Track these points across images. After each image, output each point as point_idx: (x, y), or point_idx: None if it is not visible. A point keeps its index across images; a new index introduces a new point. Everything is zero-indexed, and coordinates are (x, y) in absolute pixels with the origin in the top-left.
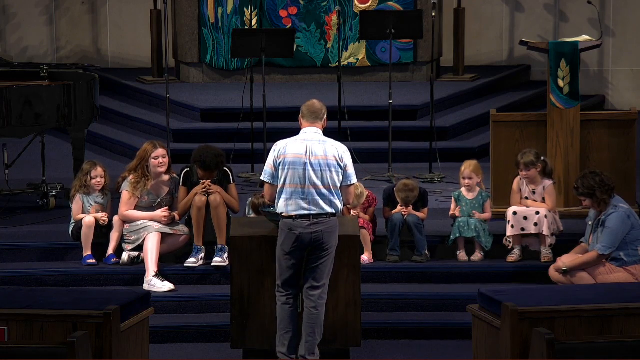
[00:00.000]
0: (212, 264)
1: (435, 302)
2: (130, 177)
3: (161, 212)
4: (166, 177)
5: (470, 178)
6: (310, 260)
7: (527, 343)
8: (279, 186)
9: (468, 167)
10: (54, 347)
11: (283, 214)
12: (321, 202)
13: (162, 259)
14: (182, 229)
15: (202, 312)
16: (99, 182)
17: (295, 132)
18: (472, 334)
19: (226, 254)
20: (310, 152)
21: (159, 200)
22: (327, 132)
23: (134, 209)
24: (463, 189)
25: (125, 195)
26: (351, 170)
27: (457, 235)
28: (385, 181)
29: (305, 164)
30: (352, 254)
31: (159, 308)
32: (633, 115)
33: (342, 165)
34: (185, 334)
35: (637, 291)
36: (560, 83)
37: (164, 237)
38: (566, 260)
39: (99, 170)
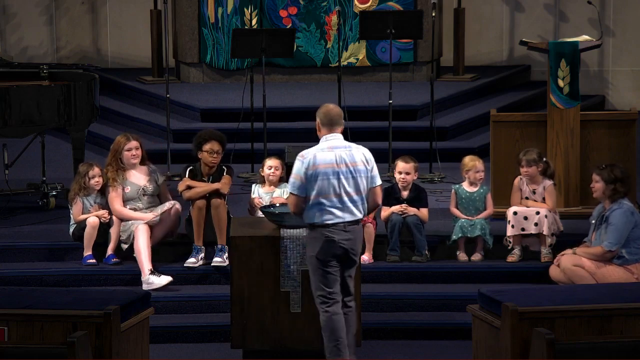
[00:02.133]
0: (212, 264)
1: (435, 302)
2: (108, 173)
3: (152, 215)
4: (143, 168)
5: (483, 170)
6: (344, 266)
7: (527, 343)
8: (312, 197)
9: (477, 160)
10: (54, 347)
11: (316, 224)
12: (354, 209)
13: (162, 257)
14: (166, 205)
15: (202, 312)
16: (97, 182)
17: (295, 132)
18: (472, 334)
19: (226, 254)
20: (340, 160)
21: (142, 188)
22: None
23: (124, 202)
24: (465, 183)
25: (109, 191)
26: (376, 171)
27: (460, 235)
28: (385, 181)
29: (337, 173)
30: None
31: (159, 308)
32: (633, 115)
33: (368, 168)
34: (185, 334)
35: (637, 291)
36: (560, 83)
37: (157, 224)
38: (567, 257)
39: (96, 170)
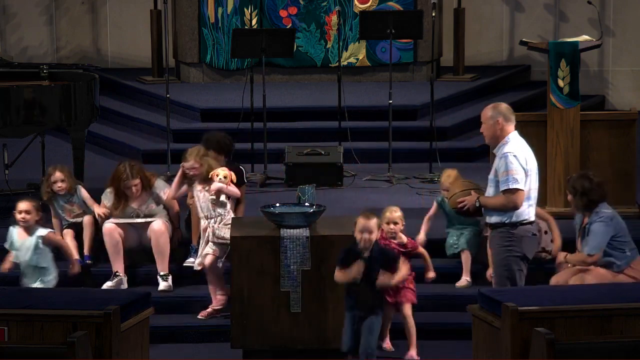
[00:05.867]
0: None
1: (435, 302)
2: (111, 197)
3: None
4: (143, 195)
5: (447, 190)
6: None
7: (527, 343)
8: (526, 192)
9: (447, 178)
10: (54, 347)
11: (524, 221)
12: None
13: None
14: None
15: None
16: (59, 186)
17: (295, 132)
18: (472, 334)
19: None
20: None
21: (137, 211)
22: (327, 133)
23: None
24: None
25: (103, 204)
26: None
27: (452, 253)
28: (385, 181)
29: (537, 167)
30: None
31: (159, 308)
32: (633, 115)
33: None
34: (185, 334)
35: (637, 291)
36: (560, 83)
37: (136, 231)
38: (570, 257)
39: (58, 175)
